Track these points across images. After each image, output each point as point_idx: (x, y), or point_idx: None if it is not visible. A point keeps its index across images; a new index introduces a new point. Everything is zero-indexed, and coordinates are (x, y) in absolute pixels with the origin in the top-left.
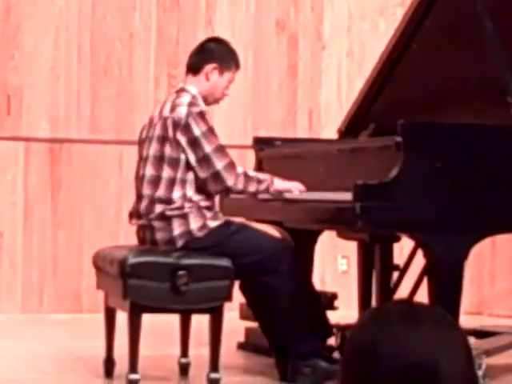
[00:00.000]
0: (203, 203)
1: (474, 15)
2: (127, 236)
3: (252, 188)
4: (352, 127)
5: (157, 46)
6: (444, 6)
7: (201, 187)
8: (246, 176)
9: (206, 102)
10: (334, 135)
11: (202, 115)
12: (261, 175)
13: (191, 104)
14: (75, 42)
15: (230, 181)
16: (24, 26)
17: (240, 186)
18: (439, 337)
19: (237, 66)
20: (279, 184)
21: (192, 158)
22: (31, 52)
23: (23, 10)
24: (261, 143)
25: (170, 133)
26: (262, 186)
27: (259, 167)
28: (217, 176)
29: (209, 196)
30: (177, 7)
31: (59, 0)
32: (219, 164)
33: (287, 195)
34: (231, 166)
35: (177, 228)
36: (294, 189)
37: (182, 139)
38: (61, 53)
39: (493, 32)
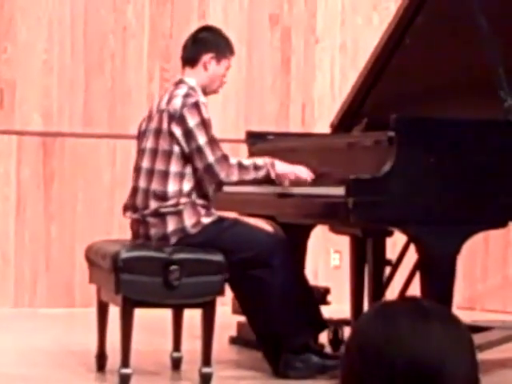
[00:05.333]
0: (199, 200)
1: (468, 10)
2: (120, 230)
3: (248, 176)
4: (345, 122)
5: (150, 39)
6: (437, 0)
7: (199, 182)
8: (241, 166)
9: (205, 92)
10: (326, 129)
11: (196, 106)
12: (259, 160)
13: (186, 95)
14: (68, 35)
15: (221, 174)
16: (17, 18)
17: (234, 177)
18: (445, 336)
19: (232, 52)
20: (281, 167)
21: (186, 150)
22: (24, 45)
23: (16, 3)
24: (253, 137)
25: (165, 125)
26: (261, 173)
27: None
28: (209, 169)
29: (204, 193)
30: (170, 1)
31: None
32: (211, 157)
33: (288, 189)
34: (223, 158)
35: (171, 225)
36: (301, 173)
37: (177, 131)
38: (54, 46)
39: (486, 27)
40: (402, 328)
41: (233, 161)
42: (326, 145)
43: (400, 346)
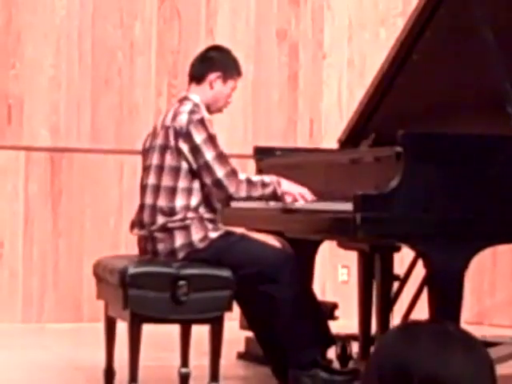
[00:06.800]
0: (206, 215)
1: (474, 25)
2: (128, 245)
3: (256, 193)
4: (352, 137)
5: (157, 55)
6: (444, 16)
7: (207, 196)
8: (249, 182)
9: (209, 110)
10: (334, 145)
11: (202, 122)
12: (267, 178)
13: (192, 112)
14: (76, 51)
15: (231, 188)
16: (25, 35)
17: (243, 193)
18: (466, 362)
19: (239, 73)
20: (286, 186)
21: (194, 166)
22: (32, 61)
23: (24, 20)
24: (261, 153)
25: (172, 141)
26: (268, 190)
27: None
28: (218, 184)
29: (212, 208)
30: (177, 17)
31: (60, 9)
32: (220, 172)
33: (294, 205)
34: (232, 173)
35: (178, 240)
36: (301, 196)
37: (184, 147)
38: (61, 62)
39: (493, 42)
40: (424, 350)
41: (242, 176)
42: (333, 160)
43: (419, 367)
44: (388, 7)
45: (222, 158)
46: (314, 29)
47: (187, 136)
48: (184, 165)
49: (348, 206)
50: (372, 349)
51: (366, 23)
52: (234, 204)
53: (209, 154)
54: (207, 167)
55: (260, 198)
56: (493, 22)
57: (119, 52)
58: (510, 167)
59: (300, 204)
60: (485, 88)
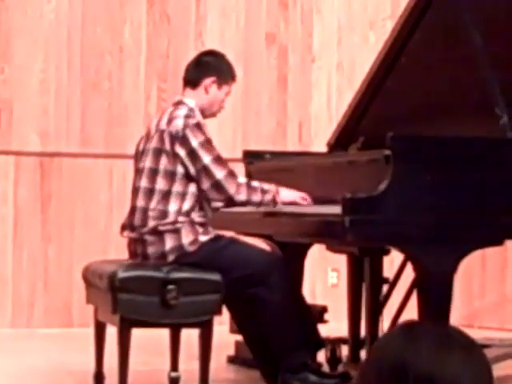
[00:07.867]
0: (197, 219)
1: (463, 28)
2: (117, 250)
3: (256, 198)
4: (341, 140)
5: (147, 59)
6: (433, 19)
7: (200, 201)
8: (249, 186)
9: (204, 115)
10: (323, 148)
11: (198, 126)
12: (266, 185)
13: (187, 116)
14: (65, 55)
15: (231, 189)
16: (14, 39)
17: (243, 196)
18: (465, 366)
19: (233, 78)
20: (286, 194)
21: (192, 170)
22: (21, 65)
23: (13, 24)
24: (250, 156)
25: (168, 145)
26: (268, 197)
27: None
28: (218, 186)
29: (204, 212)
30: (167, 20)
31: (49, 13)
32: (219, 174)
33: (281, 208)
34: (231, 175)
35: (169, 242)
36: (300, 200)
37: (181, 152)
38: (51, 66)
39: (481, 44)
40: (423, 350)
41: (241, 180)
42: (322, 164)
43: (417, 367)
44: (377, 10)
45: (219, 160)
46: (303, 32)
47: (184, 140)
48: (180, 169)
49: (337, 209)
50: (362, 352)
51: (355, 26)
52: (223, 208)
53: (206, 158)
54: (206, 170)
55: (258, 205)
56: (481, 24)
57: (108, 56)
58: (499, 170)
59: (291, 207)
60: (473, 90)
